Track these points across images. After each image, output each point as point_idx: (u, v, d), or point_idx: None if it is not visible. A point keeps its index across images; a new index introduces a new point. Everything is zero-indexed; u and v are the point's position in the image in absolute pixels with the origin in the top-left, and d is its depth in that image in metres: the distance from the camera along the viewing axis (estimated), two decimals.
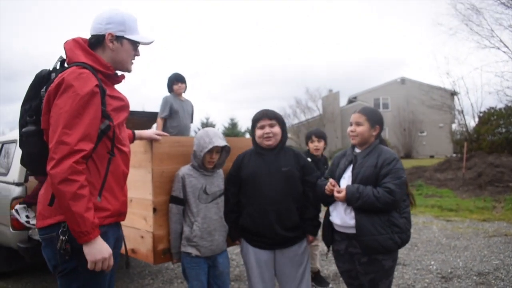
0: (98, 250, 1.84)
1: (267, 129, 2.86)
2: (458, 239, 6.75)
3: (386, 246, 2.60)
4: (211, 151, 2.83)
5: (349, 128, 2.85)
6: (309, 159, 4.62)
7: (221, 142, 2.86)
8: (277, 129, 2.89)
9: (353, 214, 2.67)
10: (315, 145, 4.44)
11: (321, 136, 4.49)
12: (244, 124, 44.74)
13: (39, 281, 4.96)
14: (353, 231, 2.67)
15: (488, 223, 8.10)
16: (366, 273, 2.69)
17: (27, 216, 2.70)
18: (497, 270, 4.99)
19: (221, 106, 78.05)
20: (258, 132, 2.89)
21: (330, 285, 4.64)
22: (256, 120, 2.93)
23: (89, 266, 1.84)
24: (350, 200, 2.63)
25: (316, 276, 4.66)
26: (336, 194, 2.68)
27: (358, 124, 2.80)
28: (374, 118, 2.83)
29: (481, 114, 21.87)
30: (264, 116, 2.90)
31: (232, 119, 43.88)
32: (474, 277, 4.74)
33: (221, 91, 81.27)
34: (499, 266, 5.15)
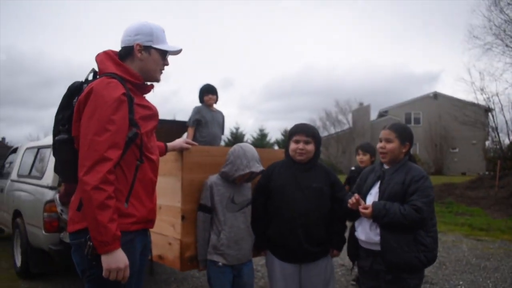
0: (114, 260, 1.86)
1: (301, 145, 2.87)
2: (489, 260, 6.56)
3: (411, 264, 2.56)
4: (244, 174, 2.87)
5: (379, 145, 2.83)
6: (353, 168, 5.00)
7: (258, 167, 2.85)
8: (311, 147, 2.89)
9: (378, 230, 2.65)
10: (360, 158, 4.86)
11: (366, 150, 4.87)
12: (274, 135, 44.76)
13: (68, 284, 5.08)
14: (378, 247, 2.64)
15: None
16: None
17: (61, 210, 2.81)
18: None
19: (251, 116, 78.48)
20: (293, 146, 2.91)
21: (354, 283, 5.04)
22: (293, 133, 2.94)
23: (103, 273, 1.87)
24: (377, 216, 2.61)
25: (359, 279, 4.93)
26: (362, 210, 2.66)
27: (388, 140, 2.78)
28: (404, 135, 2.80)
29: None
30: (302, 132, 2.91)
31: (261, 130, 43.99)
32: None
33: (252, 100, 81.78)
34: None
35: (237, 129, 41.67)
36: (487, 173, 21.74)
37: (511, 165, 18.15)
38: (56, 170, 2.16)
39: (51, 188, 4.65)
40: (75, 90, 2.08)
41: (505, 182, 14.43)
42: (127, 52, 2.16)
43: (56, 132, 2.08)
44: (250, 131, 47.04)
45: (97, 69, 2.13)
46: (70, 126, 2.03)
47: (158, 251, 3.11)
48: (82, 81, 2.12)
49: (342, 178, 3.29)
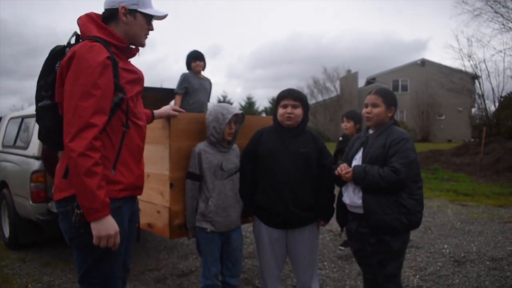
0: (104, 227, 1.85)
1: (289, 109, 2.84)
2: (473, 224, 6.72)
3: (392, 226, 2.59)
4: (229, 121, 2.86)
5: (365, 110, 2.83)
6: (341, 138, 4.88)
7: (237, 110, 2.92)
8: (299, 111, 2.87)
9: (361, 194, 2.68)
10: (344, 125, 4.84)
11: (350, 117, 4.83)
12: (261, 103, 44.71)
13: (57, 253, 5.09)
14: (361, 210, 2.68)
15: (503, 209, 8.03)
16: (374, 254, 2.70)
17: None
18: (511, 256, 4.97)
19: (239, 84, 78.04)
20: (280, 111, 2.88)
21: (342, 248, 5.18)
22: (280, 98, 2.92)
23: (94, 241, 1.85)
24: (357, 179, 2.64)
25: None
26: (343, 174, 2.69)
27: (374, 105, 2.78)
28: (390, 99, 2.81)
29: (502, 99, 21.44)
30: (289, 96, 2.88)
31: (249, 98, 43.83)
32: (487, 262, 4.73)
33: (240, 69, 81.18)
34: None
35: (224, 97, 41.48)
36: (472, 140, 22.01)
37: (496, 132, 18.39)
38: (40, 137, 2.10)
39: (36, 158, 4.59)
40: (57, 54, 2.01)
41: (490, 149, 14.66)
42: (111, 14, 2.08)
43: (39, 98, 2.02)
44: (238, 99, 46.86)
45: (79, 33, 2.05)
46: (53, 91, 1.97)
47: (147, 219, 3.11)
48: (64, 45, 2.04)
49: (330, 146, 3.28)
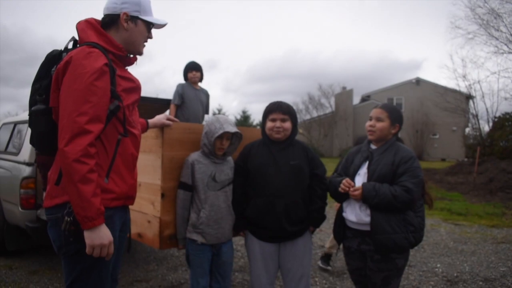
0: (98, 236, 1.81)
1: (278, 123, 2.82)
2: (466, 244, 6.68)
3: (400, 245, 2.56)
4: (221, 137, 2.82)
5: (368, 123, 2.79)
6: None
7: (232, 128, 2.85)
8: (288, 125, 2.85)
9: (368, 211, 2.63)
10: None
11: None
12: (257, 117, 44.77)
13: (45, 261, 5.01)
14: (368, 228, 2.63)
15: (497, 229, 8.01)
16: (379, 271, 2.65)
17: None
18: (504, 277, 4.93)
19: (235, 98, 78.26)
20: (269, 124, 2.86)
21: (329, 268, 4.96)
22: (268, 111, 2.89)
23: (87, 250, 1.81)
24: (367, 198, 2.59)
25: (324, 257, 5.02)
26: (351, 192, 2.65)
27: (378, 119, 2.75)
28: (396, 115, 2.78)
29: (496, 119, 21.59)
30: (278, 110, 2.86)
31: (244, 112, 43.89)
32: (480, 283, 4.69)
33: (236, 83, 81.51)
34: (506, 273, 5.09)
35: (219, 110, 41.53)
36: (466, 159, 22.11)
37: (490, 152, 18.47)
38: (31, 141, 2.06)
39: (27, 164, 4.54)
40: (53, 58, 1.99)
41: (483, 169, 14.70)
42: (111, 20, 2.06)
43: (32, 102, 1.99)
44: (233, 113, 46.94)
45: (77, 38, 2.03)
46: (47, 96, 1.94)
47: (137, 229, 3.06)
48: (61, 50, 2.02)
49: (324, 161, 3.23)
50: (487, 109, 21.88)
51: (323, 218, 2.95)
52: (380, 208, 2.58)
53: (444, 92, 25.30)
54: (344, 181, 2.70)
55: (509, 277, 4.92)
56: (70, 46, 2.04)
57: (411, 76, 59.23)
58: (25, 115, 5.23)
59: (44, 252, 5.27)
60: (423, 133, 34.27)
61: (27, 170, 4.49)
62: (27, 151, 4.63)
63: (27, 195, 4.43)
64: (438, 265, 5.37)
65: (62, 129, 1.79)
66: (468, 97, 23.99)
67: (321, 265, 4.95)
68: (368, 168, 2.72)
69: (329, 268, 4.91)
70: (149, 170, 2.93)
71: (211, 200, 2.84)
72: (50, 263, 4.92)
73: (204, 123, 2.95)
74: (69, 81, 1.83)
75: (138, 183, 2.73)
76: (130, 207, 2.27)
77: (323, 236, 5.75)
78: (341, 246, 2.99)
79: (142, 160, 2.76)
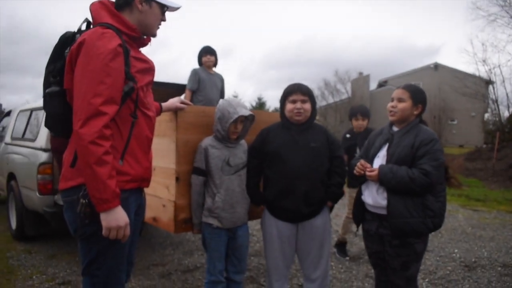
0: (114, 218, 1.80)
1: (298, 105, 2.77)
2: (484, 229, 6.59)
3: (417, 230, 2.50)
4: (235, 121, 2.79)
5: (390, 104, 2.71)
6: (348, 135, 4.69)
7: (246, 111, 2.81)
8: (308, 106, 2.80)
9: (385, 194, 2.57)
10: (360, 124, 4.60)
11: (366, 115, 4.62)
12: (272, 103, 44.62)
13: (63, 245, 5.09)
14: (385, 212, 2.58)
15: None
16: (397, 256, 2.59)
17: None
18: None
19: (251, 85, 78.11)
20: (289, 106, 2.81)
21: (347, 258, 4.85)
22: (288, 93, 2.84)
23: (103, 232, 1.81)
24: (383, 180, 2.53)
25: (340, 245, 4.81)
26: (368, 173, 2.60)
27: (400, 100, 2.67)
28: (418, 96, 2.69)
29: None
30: (298, 91, 2.80)
31: (260, 98, 43.74)
32: (499, 268, 4.62)
33: (252, 70, 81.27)
34: None
35: (235, 97, 41.47)
36: (484, 146, 21.74)
37: (509, 138, 18.15)
38: (46, 124, 2.06)
39: (44, 150, 4.59)
40: (67, 40, 1.97)
41: (503, 155, 14.45)
42: (125, 2, 2.03)
43: (46, 84, 1.99)
44: (249, 100, 46.79)
45: (90, 19, 2.01)
46: (61, 78, 1.93)
47: (152, 213, 3.07)
48: (74, 31, 2.00)
49: None
50: (507, 94, 21.46)
51: (341, 193, 2.90)
52: (397, 191, 2.51)
53: (463, 77, 24.86)
54: (358, 163, 2.66)
55: None
56: (83, 27, 2.02)
57: (429, 61, 58.35)
58: (40, 102, 5.28)
59: (62, 237, 5.35)
60: (441, 119, 33.75)
61: (44, 156, 4.54)
62: (43, 137, 4.68)
63: (44, 181, 4.49)
64: (456, 251, 5.31)
65: (77, 110, 1.78)
66: (488, 82, 23.52)
67: (338, 255, 4.89)
68: (388, 150, 2.65)
69: (347, 258, 4.84)
70: (163, 154, 2.92)
71: (226, 185, 2.82)
72: (68, 247, 5.00)
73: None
74: (83, 62, 1.81)
75: (153, 167, 2.73)
76: (145, 191, 2.27)
77: (339, 221, 5.71)
78: (357, 230, 2.96)
79: (156, 144, 2.74)
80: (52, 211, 4.43)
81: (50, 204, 4.50)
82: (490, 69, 22.14)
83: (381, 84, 39.34)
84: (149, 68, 2.12)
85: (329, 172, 2.86)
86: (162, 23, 2.18)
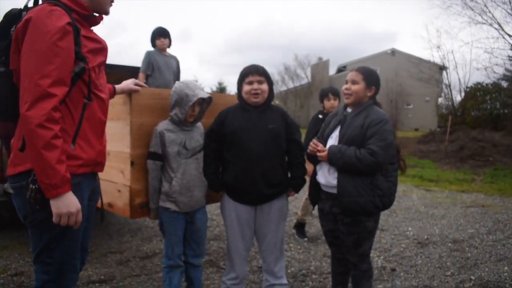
0: (65, 204, 1.74)
1: (255, 85, 2.75)
2: (436, 208, 6.87)
3: (366, 209, 2.57)
4: (194, 104, 2.75)
5: (344, 86, 2.77)
6: (320, 116, 4.59)
7: (204, 93, 2.79)
8: (265, 87, 2.79)
9: (336, 174, 2.64)
10: (332, 103, 4.54)
11: (338, 95, 4.57)
12: (233, 88, 44.40)
13: (15, 236, 4.91)
14: (336, 191, 2.64)
15: (466, 194, 8.25)
16: (349, 234, 2.68)
17: None
18: (472, 238, 5.10)
19: (210, 70, 77.39)
20: (246, 88, 2.79)
21: (306, 239, 4.94)
22: (244, 74, 2.81)
23: (53, 219, 1.75)
24: (332, 160, 2.60)
25: (299, 226, 4.90)
26: (318, 153, 2.65)
27: (354, 82, 2.72)
28: (371, 78, 2.74)
29: (468, 89, 22.01)
30: (254, 72, 2.79)
31: (220, 83, 43.47)
32: (449, 244, 4.84)
33: (211, 54, 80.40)
34: (473, 234, 5.26)
35: (196, 81, 40.98)
36: (438, 129, 22.54)
37: (461, 121, 18.90)
38: None
39: None
40: (13, 18, 1.87)
41: (455, 137, 15.02)
42: None
43: None
44: (209, 85, 46.45)
45: None
46: (7, 58, 1.84)
47: (108, 199, 3.00)
48: (21, 8, 1.90)
49: (301, 132, 3.18)
50: (459, 79, 22.37)
51: (304, 182, 2.94)
52: (346, 171, 2.58)
53: (419, 63, 25.55)
54: (311, 143, 2.70)
55: (476, 238, 5.09)
56: (30, 4, 1.91)
57: (386, 47, 59.54)
58: None
59: (13, 228, 5.16)
60: (398, 103, 34.65)
61: None
62: None
63: None
64: (410, 229, 5.51)
65: (24, 92, 1.70)
66: (442, 67, 24.30)
67: (297, 236, 4.98)
68: (340, 131, 2.71)
69: (305, 239, 4.93)
70: (117, 138, 2.85)
71: (183, 168, 2.79)
72: (21, 238, 4.82)
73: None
74: (30, 41, 1.72)
75: (107, 152, 2.66)
76: (100, 176, 2.21)
77: (298, 204, 5.80)
78: (313, 209, 3.02)
79: (110, 128, 2.67)
80: (2, 200, 4.26)
81: (0, 193, 4.33)
82: (443, 55, 22.96)
83: (340, 69, 39.92)
84: (102, 48, 2.04)
85: (289, 155, 2.88)
86: (116, 1, 2.10)
